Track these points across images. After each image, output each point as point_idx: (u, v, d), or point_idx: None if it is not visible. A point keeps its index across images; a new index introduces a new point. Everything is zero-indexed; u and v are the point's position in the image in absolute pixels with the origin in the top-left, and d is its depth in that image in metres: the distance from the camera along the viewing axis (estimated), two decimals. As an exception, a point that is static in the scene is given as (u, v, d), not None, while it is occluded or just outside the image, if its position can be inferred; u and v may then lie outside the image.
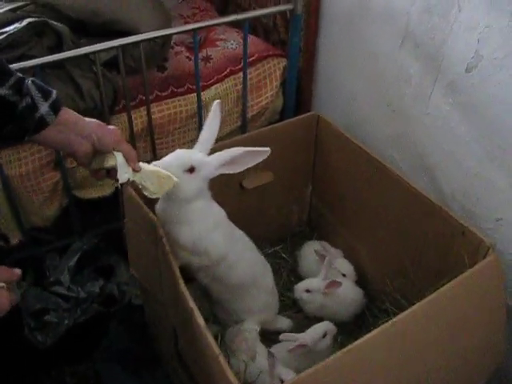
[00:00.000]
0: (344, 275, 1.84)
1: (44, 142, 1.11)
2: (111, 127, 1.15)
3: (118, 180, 1.15)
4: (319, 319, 1.73)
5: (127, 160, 1.16)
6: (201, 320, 1.14)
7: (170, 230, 1.38)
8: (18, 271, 0.99)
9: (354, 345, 1.09)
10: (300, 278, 1.97)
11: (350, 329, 1.79)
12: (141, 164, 1.21)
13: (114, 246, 2.03)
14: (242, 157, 1.32)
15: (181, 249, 1.41)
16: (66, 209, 1.95)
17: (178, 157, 1.31)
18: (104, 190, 1.94)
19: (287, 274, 2.04)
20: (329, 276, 1.75)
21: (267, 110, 2.18)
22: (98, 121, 1.14)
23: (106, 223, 2.04)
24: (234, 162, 1.33)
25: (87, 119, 1.12)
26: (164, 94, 1.94)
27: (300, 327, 1.70)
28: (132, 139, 1.88)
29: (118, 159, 1.15)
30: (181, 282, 1.24)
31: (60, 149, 1.19)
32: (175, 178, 1.25)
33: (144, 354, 1.85)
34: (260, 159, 1.32)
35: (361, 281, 1.88)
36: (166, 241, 1.34)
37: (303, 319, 1.83)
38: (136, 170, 1.19)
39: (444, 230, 1.46)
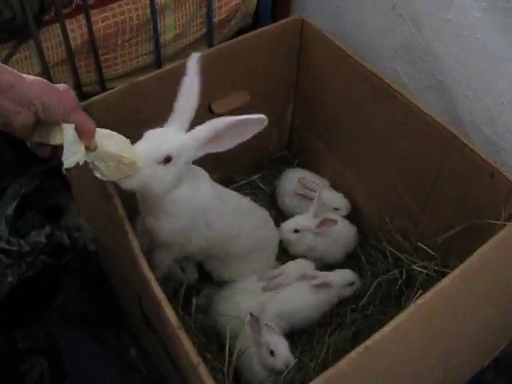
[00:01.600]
0: (337, 209, 1.70)
1: None
2: (62, 88, 0.90)
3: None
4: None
5: (80, 135, 0.93)
6: (166, 305, 0.98)
7: (147, 222, 1.22)
8: None
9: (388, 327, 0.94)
10: (280, 212, 1.83)
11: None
12: (100, 138, 0.97)
13: (61, 182, 1.76)
14: (230, 130, 1.08)
15: (159, 240, 1.25)
16: (-5, 146, 1.66)
17: (148, 145, 1.08)
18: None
19: (267, 207, 1.83)
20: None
21: (238, 13, 1.89)
22: (43, 80, 0.88)
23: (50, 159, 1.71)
24: (221, 138, 1.10)
25: (29, 79, 0.86)
26: (108, -4, 1.61)
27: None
28: (70, 57, 1.58)
29: (66, 135, 0.91)
30: (138, 254, 1.06)
31: None
32: (140, 164, 1.04)
33: (105, 313, 1.67)
34: (255, 131, 1.08)
35: (352, 214, 1.74)
36: (118, 201, 1.12)
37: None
38: (90, 149, 0.96)
39: (464, 168, 1.28)
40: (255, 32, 1.57)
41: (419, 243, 1.50)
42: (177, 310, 1.43)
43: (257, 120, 1.07)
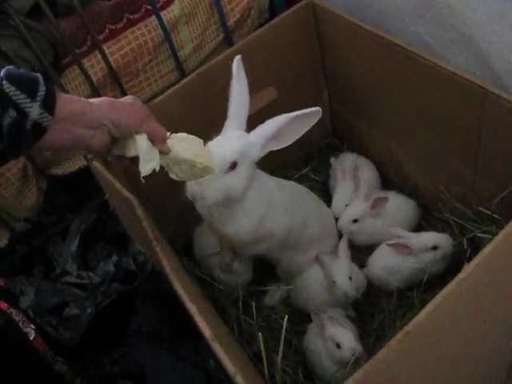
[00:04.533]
0: None
1: (47, 147, 0.87)
2: (129, 102, 0.92)
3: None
4: (372, 247, 1.55)
5: (153, 141, 0.94)
6: (199, 318, 0.99)
7: (222, 229, 1.23)
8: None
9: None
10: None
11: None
12: (175, 142, 0.98)
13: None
14: (290, 125, 1.11)
15: (244, 244, 1.30)
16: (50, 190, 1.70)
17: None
18: (82, 159, 1.64)
19: (323, 197, 1.77)
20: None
21: (252, 11, 1.82)
22: (109, 99, 0.91)
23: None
24: (281, 134, 1.12)
25: (95, 102, 0.88)
26: (119, 25, 1.60)
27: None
28: (96, 92, 1.58)
29: (140, 145, 0.92)
30: (170, 273, 1.08)
31: (69, 149, 0.95)
32: (215, 169, 1.04)
33: (180, 328, 1.65)
34: (312, 124, 1.11)
35: (409, 188, 1.66)
36: (146, 224, 1.14)
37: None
38: (164, 153, 0.96)
39: (504, 120, 1.17)
40: (269, 24, 1.52)
41: (480, 207, 1.40)
42: (238, 315, 1.44)
43: (313, 112, 1.09)
